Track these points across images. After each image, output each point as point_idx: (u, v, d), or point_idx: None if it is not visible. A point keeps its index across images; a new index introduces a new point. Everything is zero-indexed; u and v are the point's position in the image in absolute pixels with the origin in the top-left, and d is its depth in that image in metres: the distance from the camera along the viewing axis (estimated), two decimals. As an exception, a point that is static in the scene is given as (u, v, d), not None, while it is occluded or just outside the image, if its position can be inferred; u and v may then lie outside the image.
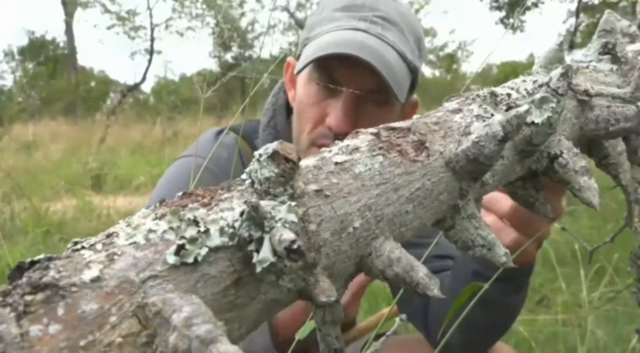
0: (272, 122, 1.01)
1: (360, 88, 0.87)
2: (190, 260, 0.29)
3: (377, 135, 0.40)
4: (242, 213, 0.29)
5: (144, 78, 11.82)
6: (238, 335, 0.31)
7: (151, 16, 11.82)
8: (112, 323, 0.26)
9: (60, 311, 0.26)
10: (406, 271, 0.36)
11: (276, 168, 0.32)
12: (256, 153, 0.33)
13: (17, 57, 16.34)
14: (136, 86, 12.00)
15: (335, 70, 0.88)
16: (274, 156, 0.32)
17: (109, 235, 0.30)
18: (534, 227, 0.70)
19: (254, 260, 0.29)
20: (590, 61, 0.59)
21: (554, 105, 0.43)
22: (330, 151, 0.39)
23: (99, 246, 0.29)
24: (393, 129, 0.42)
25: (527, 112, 0.37)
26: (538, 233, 0.72)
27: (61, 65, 15.23)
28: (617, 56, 0.58)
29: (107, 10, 12.00)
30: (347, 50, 0.84)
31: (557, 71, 0.43)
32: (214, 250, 0.30)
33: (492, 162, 0.40)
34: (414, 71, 0.94)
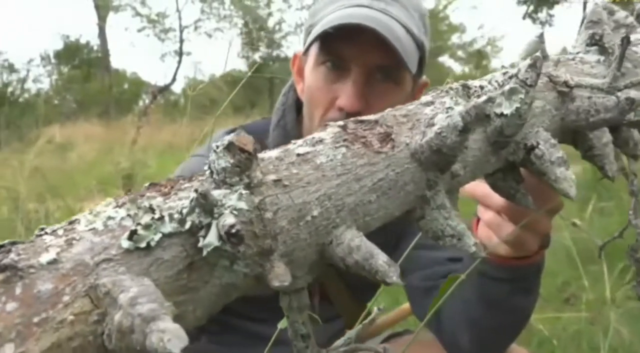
0: (281, 121, 1.02)
1: (369, 64, 0.87)
2: (143, 244, 0.30)
3: (343, 127, 0.42)
4: (191, 201, 0.31)
5: (173, 79, 12.03)
6: (194, 317, 0.33)
7: (180, 18, 12.01)
8: (65, 303, 0.28)
9: (18, 290, 0.28)
10: (365, 259, 0.37)
11: (232, 158, 0.34)
12: (213, 144, 0.34)
13: (53, 61, 16.81)
14: (166, 87, 12.22)
15: (341, 49, 0.88)
16: (229, 147, 0.34)
17: (71, 222, 0.32)
18: (534, 222, 0.70)
19: (199, 244, 0.31)
20: (578, 53, 0.59)
21: (522, 96, 0.43)
22: (295, 143, 0.40)
23: (60, 232, 0.31)
24: (361, 121, 0.43)
25: (486, 102, 0.37)
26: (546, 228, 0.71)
27: (95, 68, 15.61)
28: (604, 47, 0.58)
29: (137, 13, 12.25)
30: (351, 20, 0.83)
31: (526, 62, 0.43)
32: (168, 235, 0.31)
33: (456, 153, 0.41)
34: (421, 47, 0.93)
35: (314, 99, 0.92)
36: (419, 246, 0.80)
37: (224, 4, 11.93)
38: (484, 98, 0.37)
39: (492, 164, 0.49)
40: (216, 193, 0.32)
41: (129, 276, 0.29)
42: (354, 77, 0.87)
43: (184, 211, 0.31)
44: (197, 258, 0.32)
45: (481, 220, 0.73)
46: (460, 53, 15.03)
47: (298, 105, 1.01)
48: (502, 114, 0.44)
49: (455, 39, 15.30)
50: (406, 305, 1.26)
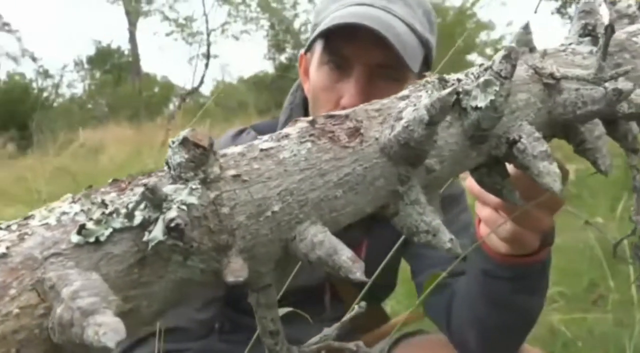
0: (289, 120, 1.03)
1: (371, 63, 0.87)
2: (92, 239, 0.31)
3: (312, 122, 0.41)
4: (140, 195, 0.31)
5: (201, 82, 12.18)
6: (149, 312, 0.33)
7: (207, 21, 12.16)
8: (12, 296, 0.29)
9: (-34, 284, 0.28)
10: (329, 254, 0.37)
11: (186, 154, 0.34)
12: (170, 140, 0.34)
13: (86, 66, 17.23)
14: (194, 90, 12.38)
15: (343, 48, 0.88)
16: (184, 142, 0.34)
17: (27, 218, 0.32)
18: (533, 219, 0.68)
19: (144, 238, 0.31)
20: (570, 44, 0.57)
21: (497, 88, 0.42)
22: (261, 138, 0.40)
23: (14, 227, 0.32)
24: (332, 116, 0.42)
25: (450, 94, 0.36)
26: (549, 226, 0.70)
27: (126, 73, 15.94)
28: (597, 38, 0.56)
29: (166, 18, 12.45)
30: (351, 20, 0.84)
31: (500, 53, 0.42)
32: (119, 230, 0.32)
33: (424, 147, 0.40)
34: (425, 44, 0.92)
35: (318, 98, 0.92)
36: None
37: (250, 6, 12.03)
38: (448, 90, 0.36)
39: (473, 159, 0.48)
40: (167, 188, 0.32)
41: (76, 270, 0.30)
42: (356, 76, 0.87)
43: (130, 206, 0.31)
44: (149, 253, 0.32)
45: (479, 217, 0.72)
46: (488, 50, 14.81)
47: (305, 104, 1.01)
48: (477, 107, 0.43)
49: (483, 36, 15.10)
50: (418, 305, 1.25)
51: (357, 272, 0.37)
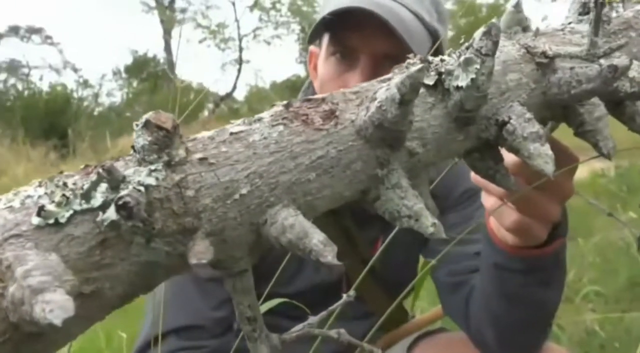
0: None
1: (376, 52, 0.86)
2: (51, 221, 0.31)
3: (287, 105, 0.41)
4: (95, 177, 0.31)
5: (234, 87, 12.33)
6: (113, 294, 0.33)
7: (239, 27, 12.31)
8: (-30, 276, 0.29)
9: None
10: (299, 238, 0.36)
11: (149, 136, 0.34)
12: (134, 123, 0.35)
13: (123, 75, 17.68)
14: (228, 96, 12.54)
15: (348, 39, 0.88)
16: (147, 125, 0.34)
17: (-7, 202, 0.33)
18: (538, 208, 0.66)
19: (97, 218, 0.31)
20: (569, 23, 0.55)
21: (477, 66, 0.41)
22: (232, 122, 0.40)
23: (-21, 211, 0.32)
24: (308, 100, 0.42)
25: (420, 71, 0.35)
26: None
27: (161, 80, 16.28)
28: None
29: (199, 25, 12.66)
30: (354, 3, 0.83)
31: (480, 30, 0.41)
32: (80, 212, 0.32)
33: (399, 127, 0.39)
34: (434, 34, 0.91)
35: (324, 90, 0.92)
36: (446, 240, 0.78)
37: (280, 11, 12.13)
38: (417, 67, 0.35)
39: (460, 142, 0.46)
40: (128, 170, 0.32)
41: (35, 251, 0.30)
42: (361, 66, 0.86)
43: (85, 187, 0.31)
44: (111, 235, 0.32)
45: (485, 207, 0.70)
46: (524, 47, 14.48)
47: None
48: (459, 87, 0.42)
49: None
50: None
51: (329, 255, 0.36)
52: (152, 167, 0.32)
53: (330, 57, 0.91)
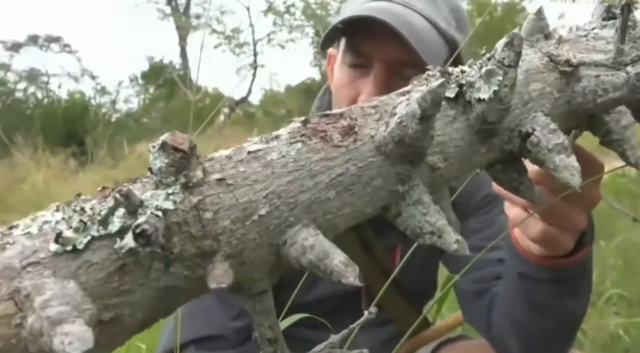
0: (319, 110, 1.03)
1: (389, 59, 0.85)
2: (69, 247, 0.30)
3: (304, 122, 0.40)
4: (113, 202, 0.31)
5: (249, 92, 12.38)
6: (133, 320, 0.33)
7: (253, 32, 12.36)
8: (-11, 305, 0.29)
9: (-55, 294, 0.29)
10: (320, 258, 0.35)
11: (166, 158, 0.33)
12: (150, 145, 0.34)
13: (140, 81, 17.86)
14: (243, 100, 12.59)
15: (362, 46, 0.87)
16: (163, 147, 0.33)
17: (11, 227, 0.33)
18: (564, 217, 0.64)
19: (115, 246, 0.30)
20: (593, 29, 0.54)
21: (500, 78, 0.40)
22: (250, 140, 0.39)
23: (-3, 237, 0.32)
24: (326, 115, 0.41)
25: (441, 86, 0.34)
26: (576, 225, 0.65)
27: (177, 86, 16.41)
28: (623, 20, 0.52)
29: (214, 31, 12.75)
30: (366, 13, 0.82)
31: (502, 41, 0.39)
32: (98, 238, 0.31)
33: (421, 143, 0.38)
34: (451, 43, 0.90)
35: (338, 96, 0.92)
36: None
37: (294, 14, 12.17)
38: (439, 81, 0.34)
39: (483, 155, 0.45)
40: (145, 194, 0.32)
41: (52, 279, 0.29)
42: (374, 73, 0.86)
43: (103, 212, 0.31)
44: (129, 261, 0.32)
45: (509, 217, 0.69)
46: (540, 45, 14.32)
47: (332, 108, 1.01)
48: (481, 99, 0.41)
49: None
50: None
51: (350, 276, 0.35)
52: (170, 191, 0.32)
53: (345, 63, 0.91)
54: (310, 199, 0.37)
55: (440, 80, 0.34)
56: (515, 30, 0.39)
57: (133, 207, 0.31)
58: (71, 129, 11.41)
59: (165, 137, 0.33)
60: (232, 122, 12.46)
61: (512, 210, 0.67)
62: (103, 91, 16.69)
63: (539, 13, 0.48)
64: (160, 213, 0.31)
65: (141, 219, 0.29)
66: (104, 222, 0.30)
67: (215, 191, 0.34)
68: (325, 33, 0.89)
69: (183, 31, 14.54)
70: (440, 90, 0.35)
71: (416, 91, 0.43)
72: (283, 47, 12.84)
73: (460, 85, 0.42)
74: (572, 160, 0.44)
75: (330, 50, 1.02)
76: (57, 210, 0.33)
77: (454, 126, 0.42)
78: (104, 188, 0.36)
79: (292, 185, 0.36)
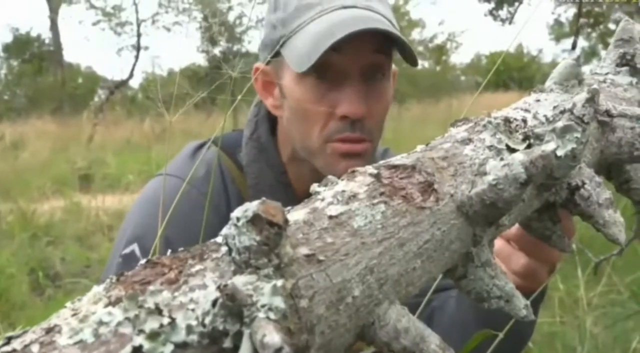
0: (254, 134, 0.95)
1: (363, 65, 0.82)
2: (151, 365, 0.23)
3: (377, 176, 0.35)
4: (214, 303, 0.24)
5: (131, 74, 11.67)
6: None
7: (137, 11, 11.65)
8: None
9: None
10: (415, 343, 0.31)
11: (258, 235, 0.26)
12: (233, 215, 0.27)
13: (1, 54, 16.10)
14: (124, 83, 11.85)
15: (330, 57, 0.81)
16: (254, 220, 0.26)
17: (49, 330, 0.24)
18: (546, 251, 0.65)
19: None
20: (607, 74, 0.54)
21: (578, 135, 0.37)
22: (323, 199, 0.33)
23: (34, 348, 0.23)
24: (395, 167, 0.36)
25: (554, 151, 0.31)
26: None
27: (47, 62, 15.01)
28: (636, 68, 0.53)
29: (92, 6, 11.82)
30: (352, 29, 0.77)
31: (582, 96, 0.37)
32: (181, 345, 0.24)
33: (512, 207, 0.34)
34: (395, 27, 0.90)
35: (307, 114, 0.84)
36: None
37: (182, -3, 11.65)
38: (551, 146, 0.31)
39: (533, 207, 0.43)
40: (242, 285, 0.25)
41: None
42: (351, 81, 0.81)
43: (207, 320, 0.23)
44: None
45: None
46: (420, 48, 15.12)
47: (270, 117, 0.94)
48: (557, 156, 0.38)
49: (415, 34, 15.41)
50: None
51: (448, 361, 0.31)
52: (277, 283, 0.25)
53: (306, 78, 0.84)
54: (399, 272, 0.32)
55: (554, 146, 0.31)
56: (595, 86, 0.37)
57: (237, 308, 0.24)
58: None
59: (256, 208, 0.26)
60: (110, 105, 11.66)
61: (496, 242, 0.67)
62: (-44, 62, 14.81)
63: (578, 60, 0.47)
64: (272, 316, 0.24)
65: (273, 338, 0.22)
66: (204, 334, 0.23)
67: (307, 271, 0.28)
68: (311, 59, 0.80)
69: (54, 2, 13.29)
70: (551, 155, 0.31)
71: (479, 139, 0.39)
72: (169, 30, 12.24)
73: (526, 137, 0.40)
74: (619, 216, 0.43)
75: (257, 65, 0.93)
76: (112, 303, 0.25)
77: (517, 180, 0.39)
78: (152, 263, 0.28)
79: (383, 258, 0.31)
